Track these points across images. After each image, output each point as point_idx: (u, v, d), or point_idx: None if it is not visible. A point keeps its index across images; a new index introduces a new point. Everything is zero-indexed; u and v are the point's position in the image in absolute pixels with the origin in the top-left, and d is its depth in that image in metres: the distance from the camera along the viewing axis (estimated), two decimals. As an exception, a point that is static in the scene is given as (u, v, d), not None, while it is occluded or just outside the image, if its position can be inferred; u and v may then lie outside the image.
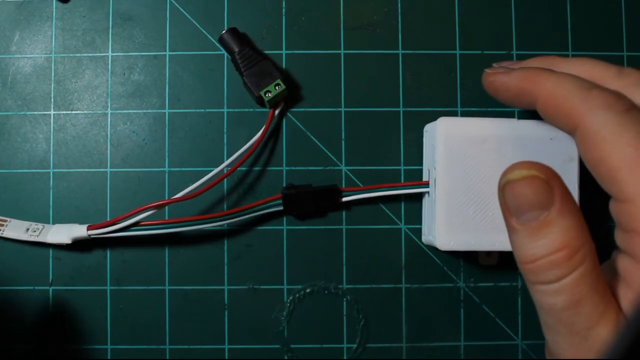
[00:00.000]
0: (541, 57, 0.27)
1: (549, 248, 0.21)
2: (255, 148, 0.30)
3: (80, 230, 0.29)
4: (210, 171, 0.30)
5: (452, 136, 0.28)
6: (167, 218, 0.31)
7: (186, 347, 0.31)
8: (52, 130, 0.32)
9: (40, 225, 0.30)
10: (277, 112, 0.31)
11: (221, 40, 0.31)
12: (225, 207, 0.31)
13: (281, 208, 0.30)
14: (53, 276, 0.31)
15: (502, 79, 0.25)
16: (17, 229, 0.30)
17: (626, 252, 0.22)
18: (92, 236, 0.29)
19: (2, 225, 0.30)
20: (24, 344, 0.31)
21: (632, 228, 0.21)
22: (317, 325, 0.31)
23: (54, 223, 0.31)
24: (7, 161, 0.31)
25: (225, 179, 0.31)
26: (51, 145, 0.32)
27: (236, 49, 0.31)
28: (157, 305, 0.31)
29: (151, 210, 0.29)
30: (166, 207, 0.31)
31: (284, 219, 0.31)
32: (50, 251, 0.31)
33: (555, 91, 0.23)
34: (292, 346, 0.31)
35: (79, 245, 0.31)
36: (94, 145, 0.32)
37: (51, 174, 0.31)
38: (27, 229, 0.30)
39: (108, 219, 0.30)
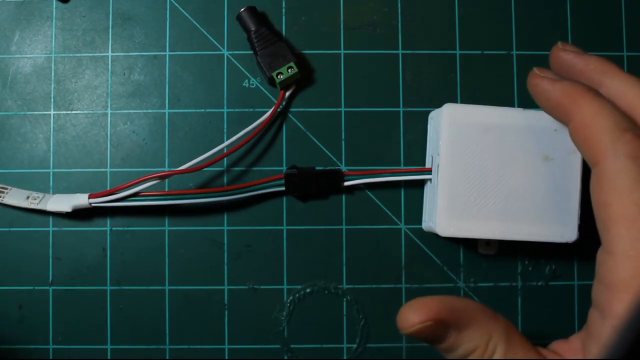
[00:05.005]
0: (601, 60, 0.25)
1: (466, 355, 0.23)
2: (264, 126, 0.30)
3: (81, 199, 0.29)
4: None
5: (457, 122, 0.28)
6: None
7: (186, 347, 0.31)
8: (52, 130, 0.32)
9: (40, 194, 0.30)
10: (287, 94, 0.31)
11: (239, 18, 0.31)
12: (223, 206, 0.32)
13: (283, 188, 0.30)
14: (53, 276, 0.31)
15: (546, 86, 0.25)
16: (17, 197, 0.30)
17: (596, 305, 0.22)
18: (93, 205, 0.29)
19: (3, 192, 0.30)
20: (23, 344, 0.31)
21: (606, 281, 0.22)
22: (317, 325, 0.31)
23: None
24: (7, 161, 0.31)
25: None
26: (51, 145, 0.32)
27: (253, 28, 0.31)
28: (157, 305, 0.31)
29: (153, 180, 0.29)
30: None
31: (284, 218, 0.31)
32: (50, 251, 0.31)
33: (591, 121, 0.23)
34: (292, 346, 0.31)
35: (78, 215, 0.31)
36: (94, 145, 0.32)
37: (51, 174, 0.31)
38: (28, 197, 0.30)
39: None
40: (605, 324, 0.21)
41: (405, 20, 0.32)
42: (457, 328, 0.23)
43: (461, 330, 0.23)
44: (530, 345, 0.23)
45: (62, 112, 0.32)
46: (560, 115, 0.25)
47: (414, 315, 0.22)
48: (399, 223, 0.32)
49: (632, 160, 0.21)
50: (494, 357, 0.23)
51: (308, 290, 0.31)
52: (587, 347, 0.22)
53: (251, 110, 0.32)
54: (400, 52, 0.32)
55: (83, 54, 0.32)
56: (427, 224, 0.30)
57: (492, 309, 0.24)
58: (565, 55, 0.26)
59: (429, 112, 0.31)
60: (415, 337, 0.23)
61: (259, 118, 0.31)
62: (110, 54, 0.32)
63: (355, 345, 0.31)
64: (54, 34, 0.32)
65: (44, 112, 0.32)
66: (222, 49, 0.32)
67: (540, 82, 0.25)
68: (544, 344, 0.24)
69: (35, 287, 0.31)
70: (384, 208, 0.32)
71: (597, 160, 0.22)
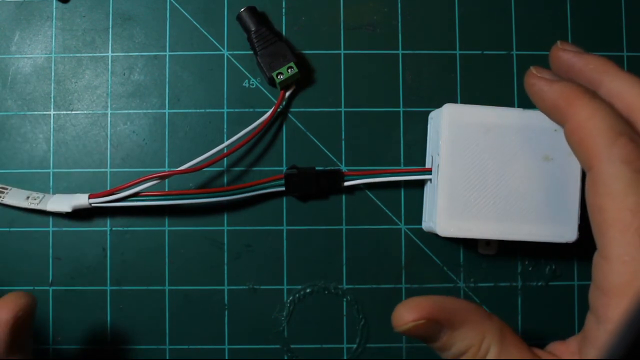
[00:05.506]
0: (600, 59, 0.25)
1: (460, 354, 0.23)
2: (264, 126, 0.31)
3: (81, 199, 0.29)
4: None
5: (457, 122, 0.28)
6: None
7: (186, 347, 0.31)
8: (52, 130, 0.32)
9: (40, 194, 0.30)
10: (287, 94, 0.31)
11: (239, 18, 0.31)
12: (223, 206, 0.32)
13: (283, 188, 0.30)
14: (53, 276, 0.31)
15: (542, 87, 0.25)
16: (17, 197, 0.30)
17: (592, 310, 0.22)
18: (93, 205, 0.29)
19: (3, 192, 0.30)
20: (24, 344, 0.31)
21: (602, 286, 0.22)
22: (317, 325, 0.31)
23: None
24: (7, 161, 0.31)
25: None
26: (51, 145, 0.32)
27: (253, 28, 0.31)
28: (157, 305, 0.31)
29: (153, 180, 0.29)
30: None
31: (284, 218, 0.31)
32: (50, 251, 0.31)
33: (586, 123, 0.22)
34: (292, 346, 0.31)
35: (78, 215, 0.31)
36: (94, 145, 0.32)
37: (51, 174, 0.31)
38: (28, 197, 0.30)
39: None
40: (600, 328, 0.21)
41: (405, 20, 0.32)
42: (451, 327, 0.23)
43: (454, 329, 0.23)
44: (525, 345, 0.23)
45: (62, 112, 0.32)
46: (556, 117, 0.24)
47: (407, 314, 0.23)
48: (399, 223, 0.32)
49: (626, 165, 0.21)
50: (488, 357, 0.23)
51: (308, 290, 0.31)
52: (583, 351, 0.22)
53: (251, 110, 0.32)
54: (400, 52, 0.32)
55: (83, 54, 0.32)
56: (427, 224, 0.30)
57: (487, 310, 0.24)
58: (565, 54, 0.26)
59: (429, 112, 0.31)
60: (409, 335, 0.23)
61: (259, 118, 0.31)
62: (110, 54, 0.32)
63: (355, 345, 0.31)
64: (54, 34, 0.32)
65: (44, 112, 0.32)
66: (222, 49, 0.32)
67: (537, 82, 0.25)
68: (543, 344, 0.24)
69: (35, 287, 0.31)
70: (384, 208, 0.32)
71: (591, 164, 0.22)
